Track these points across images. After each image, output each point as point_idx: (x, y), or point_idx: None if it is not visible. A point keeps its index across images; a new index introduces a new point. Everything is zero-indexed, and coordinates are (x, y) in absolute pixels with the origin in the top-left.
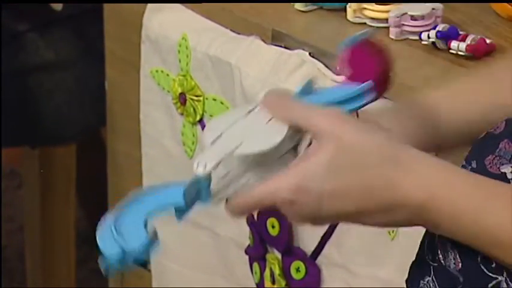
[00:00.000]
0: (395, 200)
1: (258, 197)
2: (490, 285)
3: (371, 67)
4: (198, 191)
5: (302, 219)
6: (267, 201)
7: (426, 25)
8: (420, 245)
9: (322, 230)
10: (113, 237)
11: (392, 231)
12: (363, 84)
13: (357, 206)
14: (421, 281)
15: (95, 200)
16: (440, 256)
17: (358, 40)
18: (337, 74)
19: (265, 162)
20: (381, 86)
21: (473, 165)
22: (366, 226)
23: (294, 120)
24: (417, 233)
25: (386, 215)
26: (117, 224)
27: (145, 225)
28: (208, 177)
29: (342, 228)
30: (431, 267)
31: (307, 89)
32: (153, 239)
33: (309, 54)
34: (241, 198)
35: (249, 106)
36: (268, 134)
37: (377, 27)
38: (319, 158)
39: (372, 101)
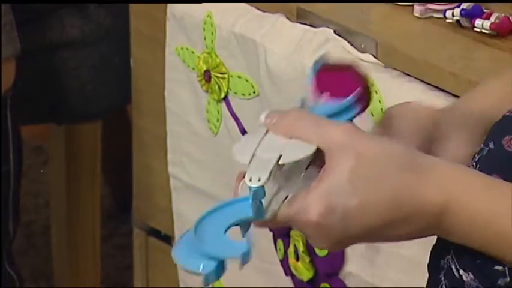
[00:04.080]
0: (417, 208)
1: (285, 218)
2: None
3: (350, 83)
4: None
5: (328, 242)
6: (292, 222)
7: (451, 3)
8: None
9: None
10: (201, 254)
11: None
12: (350, 97)
13: (383, 218)
14: (442, 260)
15: (120, 176)
16: None
17: (322, 64)
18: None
19: (291, 178)
20: (365, 97)
21: (491, 145)
22: (384, 242)
23: (307, 137)
24: None
25: (408, 224)
26: (199, 242)
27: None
28: (262, 192)
29: None
30: (451, 245)
31: (302, 106)
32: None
33: (334, 32)
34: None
35: (263, 128)
36: (301, 144)
37: (401, 4)
38: (340, 172)
39: (359, 113)
